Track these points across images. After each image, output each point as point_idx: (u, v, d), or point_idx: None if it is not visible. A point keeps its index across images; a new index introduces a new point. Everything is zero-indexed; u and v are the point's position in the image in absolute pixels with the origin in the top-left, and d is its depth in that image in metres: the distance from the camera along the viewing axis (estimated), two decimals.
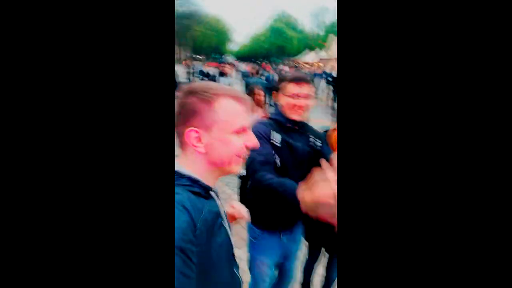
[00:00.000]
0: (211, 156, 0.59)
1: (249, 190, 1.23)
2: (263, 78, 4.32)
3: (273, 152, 1.05)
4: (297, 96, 1.06)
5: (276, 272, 1.42)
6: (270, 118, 1.14)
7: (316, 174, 0.73)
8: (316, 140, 1.18)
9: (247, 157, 0.63)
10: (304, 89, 1.07)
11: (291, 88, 1.06)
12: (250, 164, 0.99)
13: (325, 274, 1.65)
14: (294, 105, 1.07)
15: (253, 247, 1.19)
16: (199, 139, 0.58)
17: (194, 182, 0.58)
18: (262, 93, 2.97)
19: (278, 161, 1.05)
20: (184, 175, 0.58)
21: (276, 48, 40.50)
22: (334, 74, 10.41)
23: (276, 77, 7.58)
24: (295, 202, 0.83)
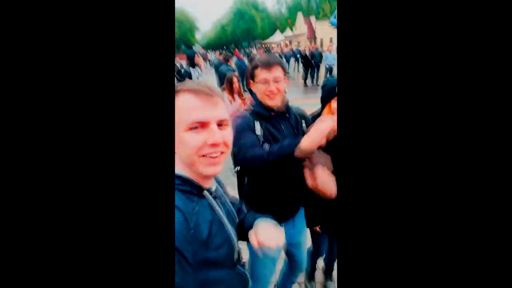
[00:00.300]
0: (180, 156, 0.55)
1: (246, 186, 1.18)
2: (232, 65, 4.32)
3: (257, 139, 1.01)
4: (268, 81, 1.02)
5: (286, 260, 1.41)
6: (252, 110, 1.09)
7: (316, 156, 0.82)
8: (302, 121, 1.16)
9: (219, 156, 0.55)
10: (274, 72, 1.02)
11: (261, 74, 1.02)
12: (238, 152, 0.95)
13: (326, 257, 1.66)
14: (267, 91, 1.02)
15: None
16: None
17: (185, 181, 0.56)
18: (237, 80, 3.04)
19: (266, 145, 1.01)
20: (176, 175, 0.56)
21: (241, 31, 39.50)
22: (302, 51, 10.53)
23: (247, 63, 7.55)
24: (300, 157, 0.84)
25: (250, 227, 0.68)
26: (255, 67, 1.05)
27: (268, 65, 1.02)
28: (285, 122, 1.10)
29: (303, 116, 1.19)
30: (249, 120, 1.05)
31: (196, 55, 4.52)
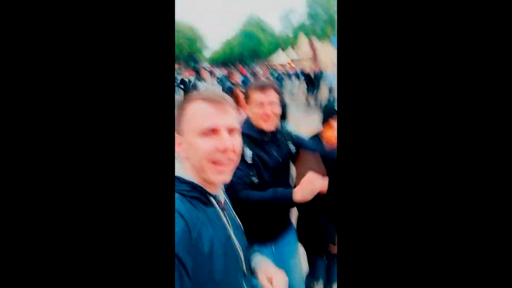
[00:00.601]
0: (190, 161, 0.56)
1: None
2: (236, 80, 4.50)
3: (249, 172, 0.98)
4: (263, 104, 1.00)
5: None
6: (242, 134, 0.94)
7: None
8: (291, 145, 1.14)
9: (229, 163, 0.56)
10: (270, 96, 1.01)
11: (256, 96, 1.01)
12: (228, 188, 0.89)
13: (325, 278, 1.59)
14: (262, 115, 1.00)
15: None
16: (179, 145, 0.57)
17: (194, 188, 0.56)
18: (240, 94, 3.18)
19: (255, 179, 1.00)
20: (185, 180, 0.56)
21: (248, 52, 40.92)
22: (307, 72, 10.92)
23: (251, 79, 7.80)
24: (293, 205, 0.87)
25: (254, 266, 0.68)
26: (250, 88, 1.04)
27: (263, 88, 1.01)
28: (275, 148, 1.09)
29: (288, 135, 1.18)
30: None
31: (202, 70, 4.70)
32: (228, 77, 4.94)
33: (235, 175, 0.92)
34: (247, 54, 40.96)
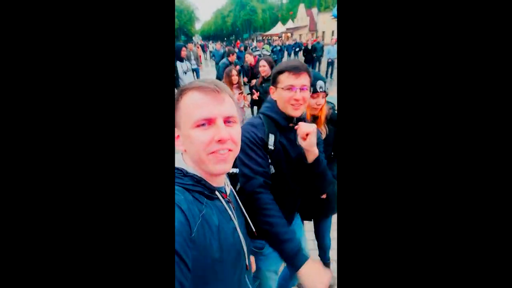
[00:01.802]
0: (189, 154, 0.55)
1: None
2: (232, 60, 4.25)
3: (269, 162, 0.92)
4: (294, 88, 0.90)
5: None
6: (264, 115, 0.98)
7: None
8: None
9: (227, 153, 0.55)
10: (301, 79, 0.91)
11: (287, 80, 0.91)
12: (246, 185, 0.86)
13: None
14: (292, 99, 0.91)
15: (259, 258, 1.05)
16: (177, 138, 0.56)
17: (197, 181, 0.55)
18: (235, 73, 2.99)
19: (272, 168, 0.93)
20: (188, 173, 0.55)
21: (241, 22, 38.90)
22: (304, 44, 10.37)
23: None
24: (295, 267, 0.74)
25: None
26: (281, 71, 0.93)
27: (296, 71, 0.90)
28: (295, 134, 0.98)
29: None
30: (261, 130, 0.93)
31: (185, 48, 4.40)
32: (226, 55, 4.62)
33: (256, 169, 0.87)
34: (242, 26, 39.00)
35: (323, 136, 1.23)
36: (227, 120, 0.54)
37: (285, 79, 0.92)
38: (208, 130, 0.52)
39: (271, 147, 0.92)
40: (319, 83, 1.18)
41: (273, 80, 0.97)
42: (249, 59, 4.05)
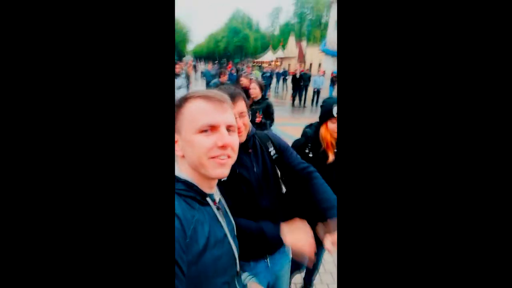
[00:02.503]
0: (187, 159, 0.57)
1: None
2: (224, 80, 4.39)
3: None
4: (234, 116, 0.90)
5: None
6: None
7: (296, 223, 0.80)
8: (271, 148, 1.04)
9: (227, 159, 0.57)
10: (238, 106, 0.89)
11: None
12: None
13: (302, 283, 1.72)
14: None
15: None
16: (176, 142, 0.58)
17: (189, 187, 0.57)
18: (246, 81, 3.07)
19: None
20: (180, 179, 0.57)
21: (234, 47, 40.44)
22: (292, 73, 10.93)
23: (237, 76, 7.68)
24: (279, 241, 0.80)
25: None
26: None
27: (232, 98, 0.86)
28: (247, 157, 0.97)
29: (269, 141, 1.06)
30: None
31: (184, 65, 4.54)
32: (218, 75, 4.78)
33: None
34: (233, 51, 40.50)
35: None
36: (228, 128, 0.58)
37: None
38: (211, 136, 0.55)
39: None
40: (336, 108, 1.20)
41: None
42: (245, 82, 4.19)
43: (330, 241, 0.75)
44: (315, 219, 0.98)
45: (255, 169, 0.98)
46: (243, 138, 0.94)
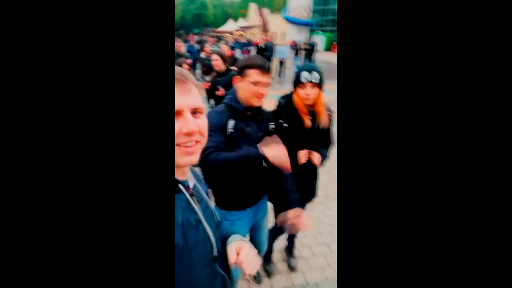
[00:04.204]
0: None
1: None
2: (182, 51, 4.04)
3: (224, 140, 1.05)
4: (260, 84, 1.05)
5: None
6: (225, 104, 1.13)
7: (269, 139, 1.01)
8: (270, 124, 1.22)
9: (195, 145, 0.55)
10: (267, 78, 1.08)
11: (256, 76, 1.05)
12: (202, 159, 0.98)
13: (286, 244, 1.80)
14: (257, 93, 1.06)
15: (226, 224, 1.19)
16: None
17: None
18: (187, 67, 2.85)
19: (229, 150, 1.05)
20: None
21: (192, 16, 37.37)
22: (255, 43, 10.52)
23: (199, 48, 7.19)
24: (261, 159, 1.00)
25: (225, 238, 0.69)
26: (251, 66, 1.06)
27: (265, 70, 1.06)
28: (255, 123, 1.14)
29: (271, 117, 1.24)
30: (225, 116, 1.08)
31: None
32: (200, 50, 4.41)
33: (211, 141, 0.97)
34: (190, 19, 37.47)
35: (326, 126, 1.35)
36: (194, 111, 0.53)
37: (253, 74, 1.05)
38: (175, 123, 0.50)
39: (231, 130, 1.07)
40: (303, 73, 1.24)
41: (240, 71, 1.10)
42: (225, 50, 3.98)
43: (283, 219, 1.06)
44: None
45: (259, 134, 1.15)
46: (261, 103, 1.11)
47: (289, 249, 1.79)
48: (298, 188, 1.20)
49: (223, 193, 1.16)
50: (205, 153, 0.97)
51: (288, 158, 1.00)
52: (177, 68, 0.55)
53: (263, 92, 1.07)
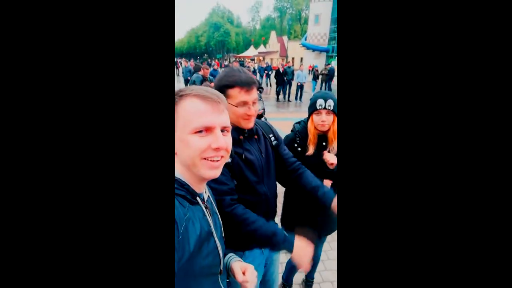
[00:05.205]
0: (180, 157, 0.57)
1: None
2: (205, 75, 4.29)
3: (229, 174, 0.92)
4: (247, 103, 0.88)
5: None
6: None
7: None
8: (272, 138, 1.10)
9: (220, 160, 0.58)
10: (253, 94, 0.89)
11: (240, 96, 0.88)
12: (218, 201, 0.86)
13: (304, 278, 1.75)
14: (245, 115, 0.89)
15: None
16: None
17: (181, 185, 0.57)
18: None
19: (234, 181, 0.93)
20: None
21: (215, 43, 39.80)
22: (275, 67, 10.94)
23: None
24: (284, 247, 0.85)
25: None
26: (231, 85, 0.88)
27: (248, 87, 0.88)
28: (253, 143, 0.99)
29: (269, 129, 1.11)
30: None
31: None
32: (194, 70, 4.69)
33: (219, 182, 0.87)
34: (214, 44, 39.85)
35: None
36: (223, 129, 0.58)
37: (236, 94, 0.88)
38: (205, 137, 0.55)
39: (228, 160, 0.90)
40: (319, 101, 1.26)
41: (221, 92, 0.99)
42: None
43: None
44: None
45: (263, 155, 1.01)
46: (252, 125, 0.95)
47: (308, 284, 1.74)
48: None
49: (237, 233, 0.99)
50: (226, 199, 0.86)
51: (310, 261, 0.85)
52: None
53: (252, 113, 0.89)
